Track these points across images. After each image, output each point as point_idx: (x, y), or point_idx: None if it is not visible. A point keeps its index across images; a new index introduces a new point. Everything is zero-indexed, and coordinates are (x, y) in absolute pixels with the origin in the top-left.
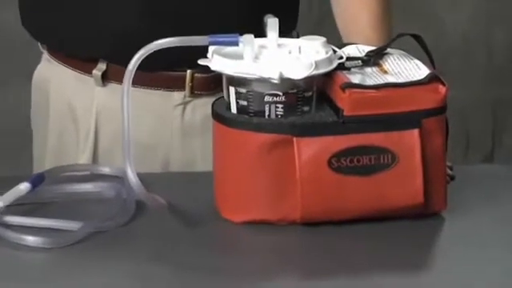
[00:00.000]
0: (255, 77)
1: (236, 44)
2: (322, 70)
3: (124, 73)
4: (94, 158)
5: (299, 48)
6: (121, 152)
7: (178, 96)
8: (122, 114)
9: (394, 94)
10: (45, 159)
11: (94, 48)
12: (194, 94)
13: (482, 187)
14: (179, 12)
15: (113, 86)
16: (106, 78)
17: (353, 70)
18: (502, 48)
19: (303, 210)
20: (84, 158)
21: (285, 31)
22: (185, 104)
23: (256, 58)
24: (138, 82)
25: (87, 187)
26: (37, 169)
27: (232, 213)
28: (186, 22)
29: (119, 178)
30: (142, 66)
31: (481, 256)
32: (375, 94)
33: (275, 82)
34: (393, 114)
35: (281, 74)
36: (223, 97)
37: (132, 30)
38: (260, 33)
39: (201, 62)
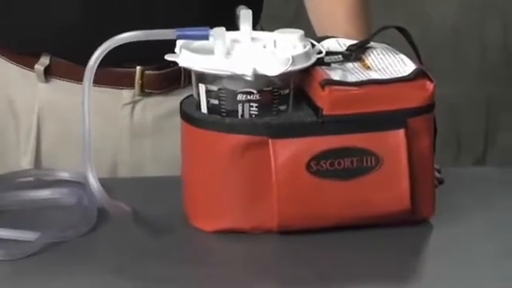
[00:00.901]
0: (227, 73)
1: (206, 38)
2: (300, 66)
3: (68, 68)
4: (37, 160)
5: (274, 42)
6: (65, 155)
7: (127, 94)
8: (82, 115)
9: (378, 92)
10: None
11: (37, 41)
12: (144, 92)
13: (473, 191)
14: (125, 3)
15: (56, 83)
16: (49, 74)
17: (333, 65)
18: (495, 41)
19: (280, 217)
20: (26, 161)
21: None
22: (134, 103)
23: (228, 53)
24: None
25: (45, 194)
26: None
27: (203, 221)
28: (134, 14)
29: (79, 184)
30: (86, 62)
31: (472, 264)
32: (357, 91)
33: (248, 78)
34: (376, 113)
35: (255, 71)
36: (192, 95)
37: (74, 21)
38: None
39: (168, 57)
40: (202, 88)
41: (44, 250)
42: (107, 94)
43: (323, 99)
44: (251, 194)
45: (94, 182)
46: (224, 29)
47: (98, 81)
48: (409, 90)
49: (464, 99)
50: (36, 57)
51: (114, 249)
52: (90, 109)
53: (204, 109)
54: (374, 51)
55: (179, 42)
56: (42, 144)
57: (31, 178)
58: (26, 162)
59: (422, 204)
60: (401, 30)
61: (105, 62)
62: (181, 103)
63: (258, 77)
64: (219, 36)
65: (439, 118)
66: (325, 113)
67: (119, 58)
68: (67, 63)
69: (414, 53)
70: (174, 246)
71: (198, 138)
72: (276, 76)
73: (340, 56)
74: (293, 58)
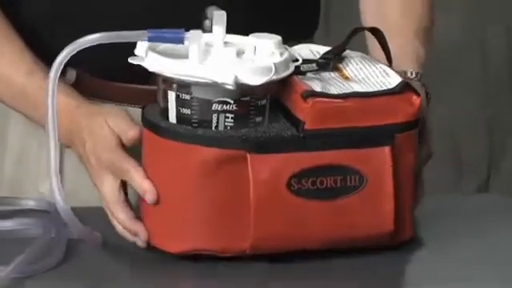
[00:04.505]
0: (206, 81)
1: (181, 41)
2: (282, 75)
3: (95, 84)
4: None
5: (255, 48)
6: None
7: None
8: (47, 132)
9: (364, 105)
10: None
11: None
12: None
13: (469, 220)
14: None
15: None
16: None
17: (308, 74)
18: (499, 56)
19: (254, 238)
20: (45, 187)
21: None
22: None
23: (203, 58)
24: (114, 96)
25: (7, 225)
26: None
27: (168, 242)
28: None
29: (46, 213)
30: (116, 77)
31: None
32: (342, 104)
33: (230, 87)
34: (362, 129)
35: (236, 79)
36: (156, 102)
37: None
38: None
39: (132, 60)
40: (172, 95)
41: (9, 286)
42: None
43: (305, 112)
44: (223, 212)
45: (62, 205)
46: (201, 32)
47: (118, 98)
48: (396, 104)
49: (465, 120)
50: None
51: (87, 283)
52: (56, 125)
53: (172, 118)
54: (352, 60)
55: (141, 43)
56: (65, 169)
57: None
58: (45, 188)
59: (402, 226)
60: (374, 31)
61: (126, 77)
62: (143, 111)
63: (237, 86)
64: (195, 39)
65: (439, 141)
66: (307, 127)
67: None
68: (94, 79)
69: (385, 56)
70: (153, 277)
71: (167, 151)
72: (258, 86)
73: (314, 65)
74: (275, 66)
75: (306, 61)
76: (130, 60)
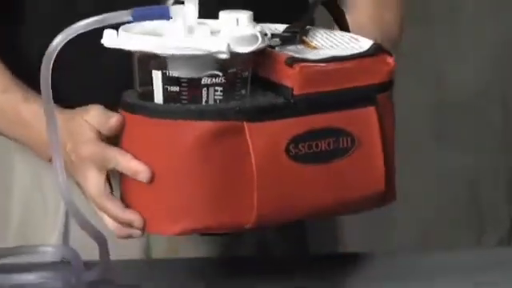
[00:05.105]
0: (199, 52)
1: (167, 16)
2: (266, 43)
3: None
4: (65, 237)
5: (237, 20)
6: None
7: None
8: (47, 124)
9: (346, 67)
10: None
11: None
12: None
13: (492, 274)
14: None
15: None
16: None
17: (277, 48)
18: None
19: (260, 209)
20: (53, 239)
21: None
22: None
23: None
24: None
25: (28, 278)
26: None
27: (167, 224)
28: None
29: (65, 264)
30: None
31: None
32: (327, 67)
33: (224, 56)
34: (347, 90)
35: (229, 47)
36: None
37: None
38: None
39: (109, 45)
40: (158, 75)
41: None
42: None
43: (293, 78)
44: (222, 186)
45: (66, 194)
46: (182, 6)
47: None
48: (374, 65)
49: (486, 171)
50: None
51: None
52: (53, 111)
53: (159, 99)
54: (317, 33)
55: (108, 32)
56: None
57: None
58: (53, 240)
59: (389, 187)
60: (327, 3)
61: None
62: (122, 97)
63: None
64: (179, 14)
65: (460, 192)
66: (296, 92)
67: None
68: None
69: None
70: None
71: (159, 131)
72: (247, 54)
73: (278, 39)
74: (261, 35)
75: (274, 35)
76: (107, 44)
